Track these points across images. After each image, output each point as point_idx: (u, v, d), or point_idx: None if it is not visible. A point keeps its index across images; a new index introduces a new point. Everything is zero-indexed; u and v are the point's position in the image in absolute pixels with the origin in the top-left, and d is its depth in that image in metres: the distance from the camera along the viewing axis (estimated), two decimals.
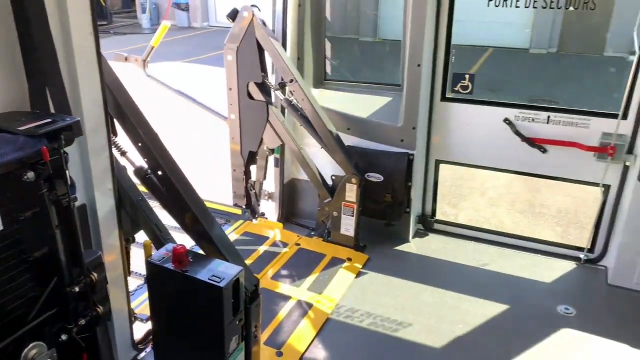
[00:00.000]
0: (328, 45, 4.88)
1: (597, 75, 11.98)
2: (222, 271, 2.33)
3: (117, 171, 2.41)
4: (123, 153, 2.68)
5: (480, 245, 4.41)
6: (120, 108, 2.45)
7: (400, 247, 4.41)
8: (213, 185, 5.13)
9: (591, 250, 4.10)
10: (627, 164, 3.71)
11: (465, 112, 4.21)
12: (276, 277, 3.97)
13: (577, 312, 3.56)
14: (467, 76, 4.11)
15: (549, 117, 3.89)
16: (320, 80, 4.72)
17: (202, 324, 2.40)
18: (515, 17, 14.09)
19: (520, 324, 3.48)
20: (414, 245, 4.44)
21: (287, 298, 3.71)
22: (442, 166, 4.55)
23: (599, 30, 12.92)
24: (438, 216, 4.74)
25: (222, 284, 2.26)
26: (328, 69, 4.92)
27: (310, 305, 3.63)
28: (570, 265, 4.10)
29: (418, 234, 4.59)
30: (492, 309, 3.60)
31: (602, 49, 13.59)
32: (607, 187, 3.87)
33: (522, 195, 6.31)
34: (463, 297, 3.73)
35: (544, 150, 3.96)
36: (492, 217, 5.87)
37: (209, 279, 2.28)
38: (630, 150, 3.68)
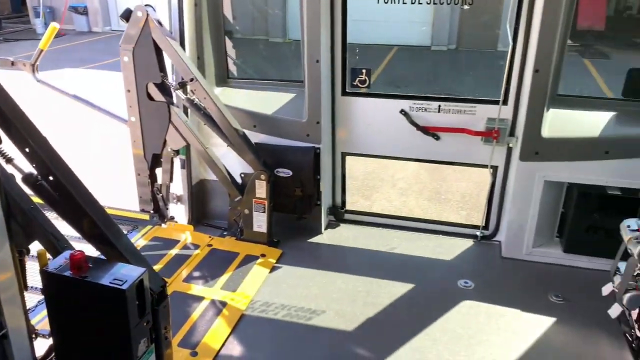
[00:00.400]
0: (230, 44, 4.88)
1: (491, 68, 12.91)
2: (124, 274, 2.28)
3: (3, 179, 2.28)
4: (9, 160, 2.54)
5: (389, 231, 4.63)
6: (3, 114, 2.32)
7: (313, 239, 4.53)
8: (117, 191, 4.96)
9: (486, 227, 4.44)
10: (510, 145, 4.06)
11: (366, 105, 4.40)
12: (188, 279, 3.92)
13: (476, 284, 3.86)
14: (364, 71, 4.30)
15: (439, 106, 4.17)
16: (223, 79, 4.71)
17: (107, 331, 2.33)
18: (416, 16, 14.84)
19: (425, 300, 3.70)
20: (327, 236, 4.57)
21: (200, 299, 3.69)
22: (353, 159, 4.72)
23: (491, 26, 13.94)
24: (350, 207, 4.91)
25: (124, 287, 2.21)
26: (232, 68, 4.92)
27: (224, 304, 3.64)
28: (468, 243, 4.42)
29: (330, 225, 4.73)
30: (400, 289, 3.80)
31: (496, 44, 14.66)
32: (495, 168, 4.22)
33: (429, 184, 6.68)
34: (373, 281, 3.90)
35: (437, 138, 4.24)
36: (403, 206, 6.17)
37: (110, 282, 2.23)
38: (512, 133, 4.03)
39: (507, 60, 3.88)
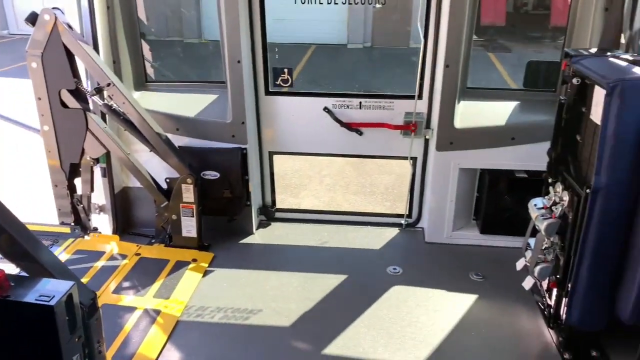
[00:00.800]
0: (146, 46, 4.75)
1: (405, 64, 13.45)
2: (50, 289, 2.18)
3: None
4: None
5: (319, 226, 4.73)
6: None
7: (245, 240, 4.53)
8: (34, 205, 4.68)
9: (409, 215, 4.68)
10: (427, 137, 4.31)
11: (290, 104, 4.47)
12: (118, 290, 3.80)
13: (404, 270, 4.05)
14: (286, 70, 4.37)
15: (360, 103, 4.33)
16: (142, 83, 4.59)
17: (37, 351, 2.22)
18: (332, 15, 15.13)
19: (358, 289, 3.84)
20: (258, 236, 4.60)
21: (132, 309, 3.58)
22: (280, 158, 4.76)
23: (403, 25, 14.53)
24: (280, 206, 4.96)
25: (52, 303, 2.12)
26: (149, 71, 4.79)
27: (158, 312, 3.56)
28: (394, 232, 4.62)
29: (261, 225, 4.75)
30: (334, 281, 3.92)
31: (408, 42, 15.30)
32: (414, 159, 4.45)
33: (354, 178, 6.89)
34: (307, 276, 3.98)
35: (361, 133, 4.40)
36: (331, 201, 6.32)
37: (36, 300, 2.12)
38: (428, 125, 4.27)
39: (420, 57, 4.10)
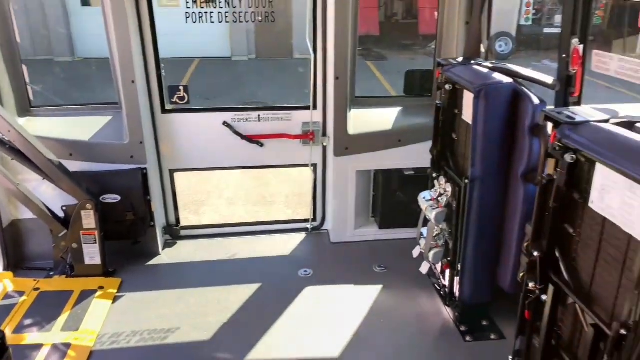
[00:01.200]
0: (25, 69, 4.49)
1: (291, 75, 13.83)
2: None
3: None
4: None
5: (227, 239, 4.79)
6: None
7: (152, 262, 4.46)
8: None
9: (314, 219, 4.92)
10: (325, 144, 4.58)
11: (188, 120, 4.50)
12: (19, 329, 3.56)
13: (313, 271, 4.28)
14: (181, 87, 4.40)
15: (259, 115, 4.50)
16: (26, 108, 4.33)
17: None
18: (214, 28, 15.05)
19: (272, 295, 3.98)
20: (166, 256, 4.55)
21: (38, 347, 3.39)
22: (181, 176, 4.74)
23: (286, 37, 14.92)
24: (183, 223, 4.93)
25: None
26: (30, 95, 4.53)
27: (68, 345, 3.41)
28: (301, 236, 4.84)
29: (168, 245, 4.70)
30: (248, 290, 4.02)
31: (292, 53, 15.74)
32: (315, 166, 4.70)
33: (254, 190, 7.00)
34: (221, 289, 4.04)
35: (262, 145, 4.56)
36: (233, 214, 6.37)
37: None
38: (324, 133, 4.56)
39: (312, 70, 4.37)
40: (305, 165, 4.67)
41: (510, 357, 2.71)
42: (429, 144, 3.78)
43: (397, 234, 4.69)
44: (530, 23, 17.64)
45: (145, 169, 4.28)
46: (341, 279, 4.15)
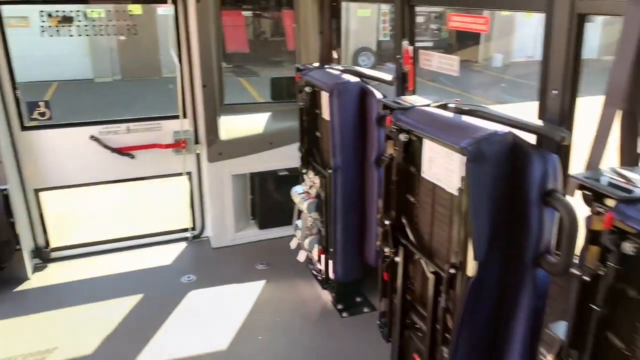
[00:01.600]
0: None
1: (162, 93, 13.55)
2: None
3: None
4: None
5: (104, 257, 4.68)
6: None
7: (20, 287, 4.21)
8: None
9: (194, 228, 5.00)
10: (198, 152, 4.71)
11: (51, 137, 4.34)
12: None
13: (197, 276, 4.36)
14: (41, 103, 4.25)
15: (128, 127, 4.50)
16: None
17: None
18: (72, 48, 14.24)
19: (156, 303, 4.00)
20: (36, 280, 4.32)
21: None
22: (44, 195, 4.54)
23: (152, 54, 14.57)
24: (54, 245, 4.71)
25: None
26: None
27: None
28: (183, 246, 4.89)
29: (37, 268, 4.46)
30: (130, 302, 3.99)
31: (160, 72, 15.39)
32: (190, 174, 4.80)
33: (130, 204, 6.78)
34: (101, 304, 3.96)
35: (133, 157, 4.55)
36: (109, 231, 6.12)
37: None
38: (197, 141, 4.68)
39: (178, 79, 4.49)
40: (180, 174, 4.75)
41: (378, 321, 3.08)
42: (297, 145, 4.09)
43: (278, 233, 4.94)
44: (387, 38, 19.24)
45: (6, 189, 4.05)
46: (225, 280, 4.29)
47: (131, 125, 4.50)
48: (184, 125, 4.58)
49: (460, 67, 2.97)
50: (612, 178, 1.55)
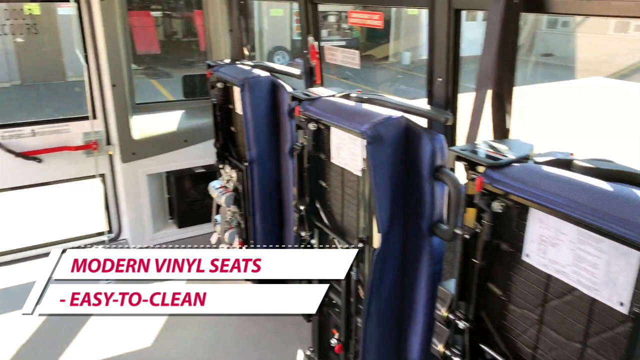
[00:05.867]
0: None
1: (68, 97, 12.87)
2: None
3: None
4: None
5: (16, 266, 4.46)
6: None
7: None
8: None
9: (110, 231, 4.89)
10: (110, 152, 4.62)
11: None
12: None
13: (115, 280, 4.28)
14: None
15: (33, 130, 4.31)
16: None
17: None
18: None
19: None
20: None
21: None
22: None
23: (55, 57, 13.77)
24: None
25: None
26: None
27: None
28: None
29: None
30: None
31: (64, 75, 14.58)
32: (103, 176, 4.69)
33: (41, 210, 6.45)
34: (9, 316, 3.80)
35: (40, 160, 4.37)
36: (21, 239, 5.77)
37: None
38: (108, 142, 4.59)
39: (86, 80, 4.38)
40: (93, 177, 4.63)
41: None
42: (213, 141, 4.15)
43: (198, 230, 4.95)
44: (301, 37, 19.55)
45: None
46: (145, 281, 4.25)
47: (36, 128, 4.32)
48: (94, 126, 4.47)
49: (371, 65, 3.21)
50: (485, 150, 1.79)
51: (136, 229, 4.77)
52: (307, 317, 3.16)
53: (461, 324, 1.85)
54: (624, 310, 1.39)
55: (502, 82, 2.00)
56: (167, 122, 4.80)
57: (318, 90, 2.86)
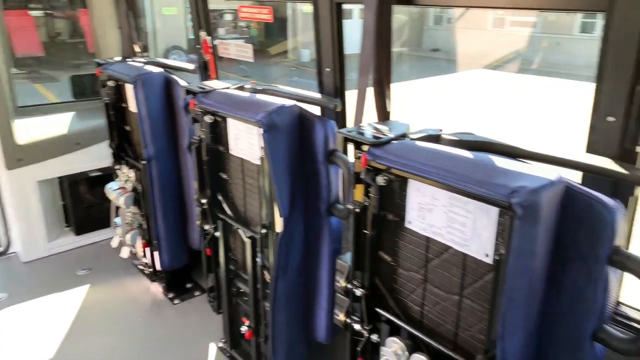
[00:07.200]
0: None
1: None
2: None
3: None
4: None
5: None
6: None
7: None
8: None
9: None
10: None
11: None
12: None
13: (9, 294, 4.01)
14: None
15: None
16: None
17: None
18: None
19: None
20: None
21: None
22: None
23: None
24: None
25: None
26: None
27: None
28: None
29: None
30: None
31: None
32: None
33: None
34: None
35: None
36: None
37: None
38: None
39: None
40: None
41: (207, 297, 3.26)
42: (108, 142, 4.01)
43: (97, 236, 4.75)
44: None
45: None
46: (42, 293, 4.02)
47: None
48: None
49: (270, 63, 3.29)
50: (370, 131, 1.96)
51: (28, 240, 4.47)
52: (217, 309, 3.20)
53: (358, 292, 2.01)
54: (489, 260, 1.61)
55: (381, 69, 2.19)
56: (57, 125, 4.54)
57: (212, 83, 2.89)
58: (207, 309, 3.35)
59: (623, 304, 1.86)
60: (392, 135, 1.88)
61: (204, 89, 2.78)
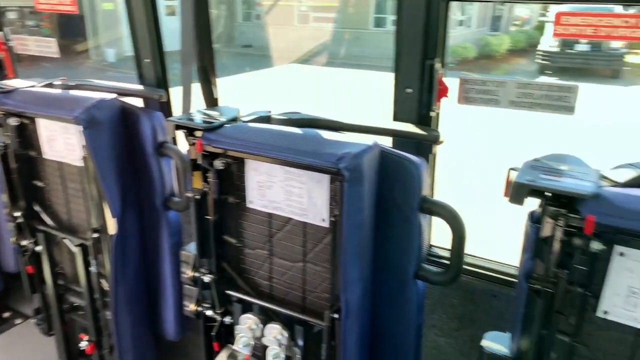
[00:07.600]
0: None
1: None
2: None
3: None
4: None
5: None
6: None
7: None
8: None
9: None
10: None
11: None
12: None
13: None
14: None
15: None
16: None
17: None
18: None
19: None
20: None
21: None
22: None
23: None
24: None
25: None
26: None
27: None
28: None
29: None
30: None
31: None
32: None
33: None
34: None
35: None
36: None
37: None
38: None
39: None
40: None
41: (34, 321, 2.93)
42: None
43: None
44: None
45: None
46: None
47: None
48: None
49: (75, 64, 3.02)
50: (200, 117, 1.96)
51: None
52: (47, 331, 2.90)
53: (207, 278, 2.03)
54: (326, 224, 1.78)
55: (203, 57, 2.22)
56: None
57: (14, 82, 2.59)
58: (34, 334, 3.00)
59: (433, 245, 2.22)
60: (224, 119, 1.93)
61: (3, 88, 2.47)
